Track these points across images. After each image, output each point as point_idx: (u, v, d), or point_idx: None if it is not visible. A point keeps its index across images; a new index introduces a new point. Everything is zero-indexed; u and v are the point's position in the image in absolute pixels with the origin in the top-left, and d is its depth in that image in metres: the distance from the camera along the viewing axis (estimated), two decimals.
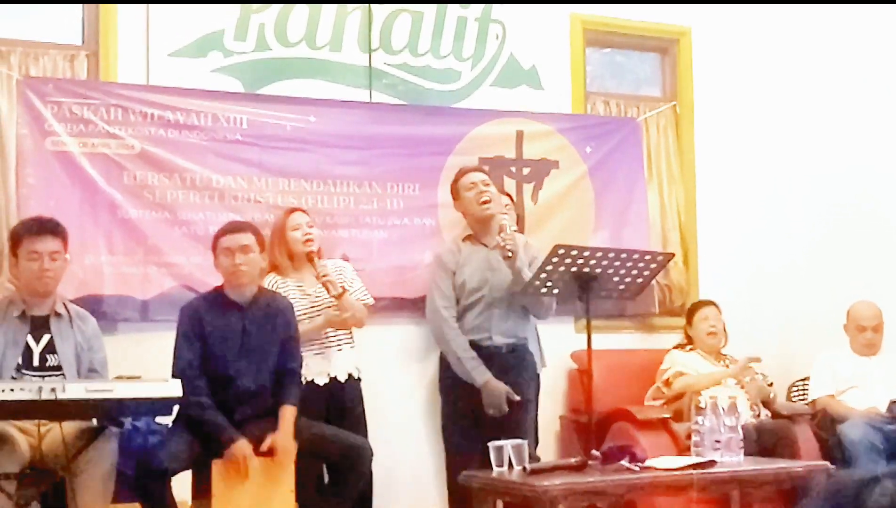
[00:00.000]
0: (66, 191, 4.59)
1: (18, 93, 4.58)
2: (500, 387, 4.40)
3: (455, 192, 4.65)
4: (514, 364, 4.54)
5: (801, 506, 1.27)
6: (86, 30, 4.89)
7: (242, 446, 3.89)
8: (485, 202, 4.53)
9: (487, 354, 4.48)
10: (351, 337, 4.65)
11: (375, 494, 4.57)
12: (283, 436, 3.98)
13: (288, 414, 4.06)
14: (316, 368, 4.51)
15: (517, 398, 4.42)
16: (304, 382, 4.34)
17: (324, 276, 4.49)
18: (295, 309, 4.33)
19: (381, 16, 5.28)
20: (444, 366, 4.60)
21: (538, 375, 4.78)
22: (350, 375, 4.61)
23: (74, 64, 4.82)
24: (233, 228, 4.19)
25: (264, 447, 3.94)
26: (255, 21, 5.05)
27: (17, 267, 3.95)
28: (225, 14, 5.00)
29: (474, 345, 4.48)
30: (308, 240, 4.58)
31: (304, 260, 4.58)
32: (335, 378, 4.55)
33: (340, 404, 4.56)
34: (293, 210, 4.67)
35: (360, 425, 4.56)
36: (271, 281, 4.53)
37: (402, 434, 5.02)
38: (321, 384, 4.51)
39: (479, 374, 4.41)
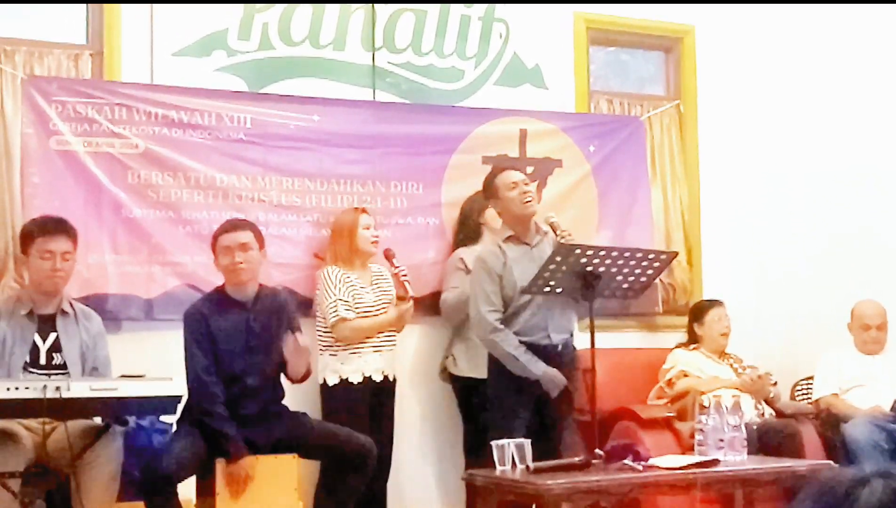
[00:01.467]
0: (71, 191, 4.59)
1: (23, 93, 4.58)
2: (557, 373, 4.30)
3: (492, 191, 4.46)
4: (568, 361, 4.43)
5: (794, 504, 1.26)
6: (90, 29, 4.89)
7: (246, 464, 3.90)
8: (528, 201, 4.46)
9: (543, 353, 4.34)
10: (395, 338, 4.74)
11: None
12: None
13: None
14: (374, 365, 4.59)
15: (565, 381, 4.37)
16: (362, 378, 4.52)
17: (403, 275, 4.57)
18: (361, 301, 4.52)
19: (384, 15, 5.28)
20: (495, 374, 4.41)
21: None
22: (393, 375, 4.72)
23: (79, 63, 4.82)
24: (231, 226, 4.20)
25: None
26: (259, 20, 5.06)
27: (28, 265, 3.95)
28: (228, 13, 5.00)
29: (530, 345, 4.32)
30: (375, 241, 4.71)
31: (365, 257, 4.69)
32: (386, 377, 4.65)
33: (386, 403, 4.66)
34: (362, 210, 4.77)
35: (392, 425, 4.68)
36: (334, 273, 4.58)
37: (410, 433, 5.02)
38: (378, 380, 4.60)
39: (536, 366, 4.28)
